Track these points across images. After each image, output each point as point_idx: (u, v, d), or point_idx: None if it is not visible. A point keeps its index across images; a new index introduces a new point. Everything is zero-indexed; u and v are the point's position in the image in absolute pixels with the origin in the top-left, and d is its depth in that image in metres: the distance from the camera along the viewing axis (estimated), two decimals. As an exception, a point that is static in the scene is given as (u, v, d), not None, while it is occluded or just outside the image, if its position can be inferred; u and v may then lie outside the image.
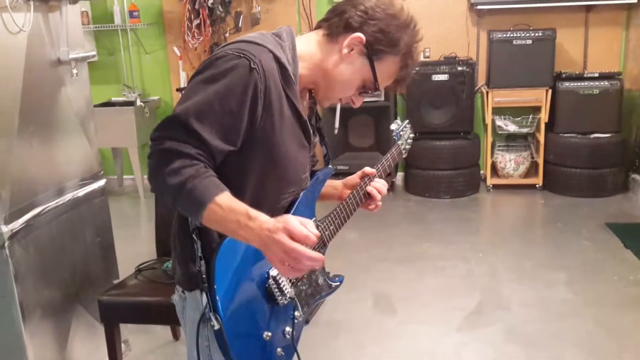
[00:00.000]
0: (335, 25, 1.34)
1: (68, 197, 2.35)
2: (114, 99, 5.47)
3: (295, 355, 1.45)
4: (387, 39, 1.32)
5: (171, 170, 1.16)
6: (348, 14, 1.32)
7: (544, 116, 4.80)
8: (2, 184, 1.98)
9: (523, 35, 4.73)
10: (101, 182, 2.58)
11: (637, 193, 4.71)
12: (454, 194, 4.95)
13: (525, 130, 5.03)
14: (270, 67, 1.24)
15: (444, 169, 4.95)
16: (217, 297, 1.23)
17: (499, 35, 4.78)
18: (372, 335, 2.91)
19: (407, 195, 5.12)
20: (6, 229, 2.00)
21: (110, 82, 5.55)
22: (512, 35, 4.75)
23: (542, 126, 4.83)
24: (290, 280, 1.39)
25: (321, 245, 1.46)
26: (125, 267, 2.68)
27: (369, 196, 1.59)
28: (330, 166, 1.57)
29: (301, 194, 1.43)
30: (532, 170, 5.07)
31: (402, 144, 1.79)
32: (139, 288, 2.38)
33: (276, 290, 1.35)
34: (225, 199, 1.17)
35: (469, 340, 2.83)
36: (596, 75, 4.74)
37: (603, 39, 5.00)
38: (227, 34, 5.26)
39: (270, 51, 1.27)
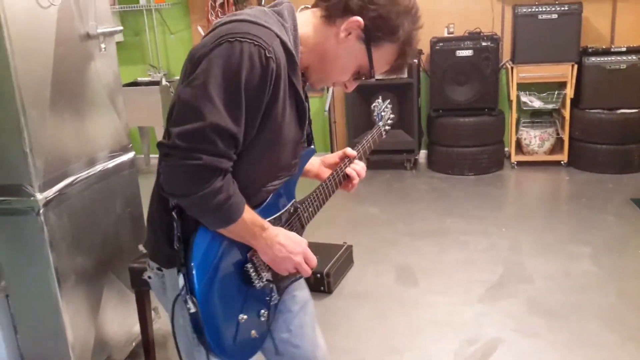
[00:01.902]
0: (334, 7, 1.28)
1: (98, 168, 2.42)
2: (139, 79, 5.55)
3: (269, 336, 1.49)
4: (386, 25, 1.27)
5: (212, 191, 1.17)
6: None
7: (569, 92, 4.74)
8: (37, 153, 2.05)
9: (548, 9, 4.67)
10: (130, 155, 2.64)
11: (664, 169, 4.65)
12: (478, 171, 4.95)
13: (550, 106, 4.98)
14: (280, 54, 1.21)
15: (468, 145, 4.94)
16: (195, 280, 1.23)
17: (524, 10, 4.72)
18: (394, 306, 2.96)
19: (430, 172, 5.12)
20: (40, 197, 2.07)
21: (135, 62, 5.63)
22: (537, 9, 4.69)
23: (568, 102, 4.78)
24: (266, 264, 1.38)
25: (299, 227, 1.48)
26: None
27: (347, 177, 1.59)
28: (312, 146, 1.55)
29: (288, 179, 1.43)
30: (557, 146, 5.03)
31: (382, 125, 1.76)
32: (168, 256, 2.45)
33: (254, 273, 1.35)
34: (248, 214, 1.27)
35: (490, 311, 2.85)
36: (623, 49, 4.66)
37: (631, 13, 4.90)
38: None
39: (277, 36, 1.22)
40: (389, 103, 1.81)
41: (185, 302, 1.23)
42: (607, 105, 4.70)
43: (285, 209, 1.44)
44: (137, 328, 2.58)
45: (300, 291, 1.62)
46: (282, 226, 1.40)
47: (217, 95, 1.15)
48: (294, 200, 1.48)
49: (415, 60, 4.91)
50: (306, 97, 1.43)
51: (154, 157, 5.78)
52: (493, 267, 3.29)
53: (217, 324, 1.29)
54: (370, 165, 5.23)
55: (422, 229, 3.90)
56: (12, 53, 1.95)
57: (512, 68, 4.87)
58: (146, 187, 2.78)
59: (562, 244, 3.53)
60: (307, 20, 1.33)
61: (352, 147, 1.62)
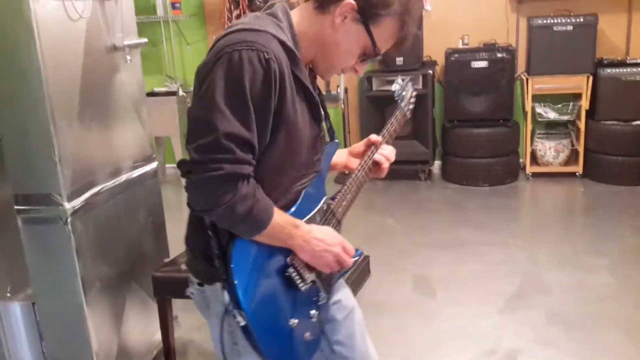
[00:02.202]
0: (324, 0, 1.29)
1: (123, 178, 2.46)
2: (156, 89, 5.61)
3: (323, 336, 1.48)
4: (379, 0, 1.27)
5: (239, 198, 1.19)
6: None
7: (584, 103, 4.75)
8: (65, 162, 2.09)
9: (563, 21, 4.69)
10: (153, 165, 2.68)
11: (680, 181, 4.63)
12: (493, 182, 4.95)
13: (565, 117, 4.99)
14: (280, 53, 1.23)
15: (483, 156, 4.95)
16: (239, 293, 1.24)
17: (539, 22, 4.75)
18: (413, 316, 2.97)
19: (445, 183, 5.13)
20: (68, 206, 2.11)
21: (152, 72, 5.69)
22: (552, 21, 4.71)
23: (583, 113, 4.78)
24: (308, 265, 1.38)
25: (336, 223, 1.48)
26: (173, 249, 2.80)
27: (376, 164, 1.58)
28: (335, 140, 1.55)
29: (315, 175, 1.43)
30: (572, 158, 5.03)
31: (404, 105, 1.71)
32: (190, 265, 2.48)
33: (296, 277, 1.35)
34: (279, 216, 1.28)
35: (509, 322, 2.85)
36: (639, 61, 4.66)
37: (647, 25, 4.92)
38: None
39: (274, 36, 1.24)
40: (409, 81, 1.76)
41: (234, 316, 1.25)
42: (622, 117, 4.69)
43: (318, 207, 1.44)
44: (158, 336, 2.60)
45: (345, 298, 1.62)
46: (317, 224, 1.40)
47: (225, 105, 1.17)
48: (325, 197, 1.47)
49: (430, 71, 4.94)
50: (319, 92, 1.46)
51: (170, 166, 5.83)
52: (510, 278, 3.29)
53: (269, 333, 1.31)
54: (385, 176, 5.22)
55: (438, 240, 3.90)
56: (43, 64, 1.99)
57: (527, 79, 4.88)
58: (164, 196, 2.85)
59: (579, 256, 3.53)
60: (302, 15, 1.34)
61: (377, 133, 1.61)
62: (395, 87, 1.70)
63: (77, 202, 2.15)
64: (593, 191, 4.70)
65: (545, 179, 5.01)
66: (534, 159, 5.12)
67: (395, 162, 5.10)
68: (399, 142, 5.09)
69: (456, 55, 4.94)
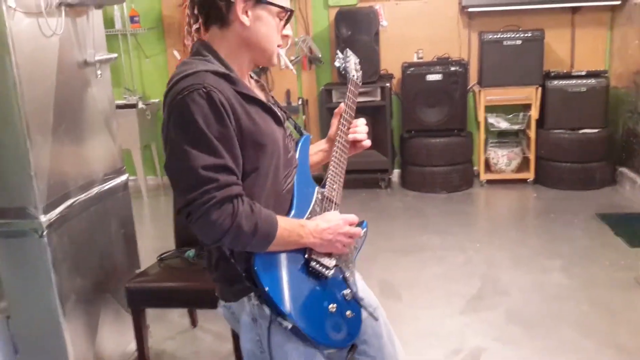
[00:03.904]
0: (219, 15, 1.41)
1: (95, 190, 2.48)
2: (117, 101, 5.56)
3: (362, 309, 1.58)
4: None
5: (241, 216, 1.30)
6: (215, 0, 1.39)
7: (534, 113, 5.00)
8: (40, 176, 2.11)
9: (513, 36, 4.93)
10: (123, 177, 2.71)
11: (624, 185, 4.91)
12: (450, 189, 5.13)
13: (516, 127, 5.23)
14: (215, 81, 1.33)
15: (440, 164, 5.13)
16: (277, 302, 1.36)
17: (490, 36, 4.98)
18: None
19: (404, 190, 5.29)
20: (44, 219, 2.12)
21: (112, 85, 5.65)
22: (502, 36, 4.95)
23: (533, 123, 5.02)
24: (326, 253, 1.50)
25: (335, 207, 1.59)
26: (144, 259, 2.83)
27: (355, 142, 1.69)
28: (306, 134, 1.66)
29: (295, 172, 1.53)
30: (523, 165, 5.26)
31: (353, 75, 1.76)
32: (162, 275, 2.52)
33: (320, 267, 1.47)
34: (283, 221, 1.39)
35: (471, 321, 2.99)
36: (583, 73, 4.94)
37: (589, 39, 5.21)
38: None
39: (206, 71, 1.34)
40: (347, 50, 1.81)
41: (280, 324, 1.37)
42: (569, 126, 4.95)
43: (313, 199, 1.54)
44: (132, 346, 2.62)
45: (368, 297, 1.69)
46: (319, 214, 1.51)
47: (190, 147, 1.29)
48: (316, 187, 1.57)
49: (387, 84, 5.09)
50: (272, 97, 1.60)
51: (131, 178, 5.78)
52: (471, 280, 3.44)
53: (316, 326, 1.42)
54: (346, 185, 5.33)
55: (400, 245, 4.03)
56: (18, 79, 2.02)
57: (479, 91, 5.10)
58: (136, 206, 2.87)
59: (535, 257, 3.71)
60: (217, 41, 1.45)
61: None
62: (337, 63, 1.78)
63: (52, 215, 2.17)
64: (545, 196, 4.93)
65: (499, 186, 5.23)
66: (488, 167, 5.33)
67: (356, 171, 5.21)
68: (360, 152, 5.24)
69: (412, 69, 5.12)
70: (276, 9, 1.45)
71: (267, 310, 1.39)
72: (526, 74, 4.95)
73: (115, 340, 2.59)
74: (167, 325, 3.03)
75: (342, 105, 1.70)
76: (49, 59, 2.21)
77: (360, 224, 1.63)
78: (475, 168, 5.40)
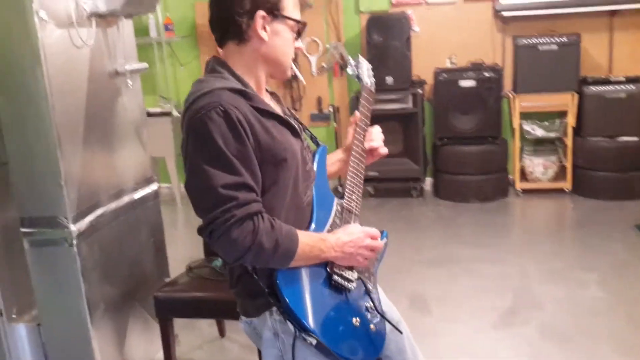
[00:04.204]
0: (237, 32, 1.41)
1: (126, 199, 2.51)
2: (150, 109, 5.64)
3: (386, 321, 1.56)
4: None
5: (261, 233, 1.29)
6: (234, 17, 1.39)
7: (571, 120, 4.87)
8: (70, 185, 2.14)
9: (548, 40, 4.81)
10: (154, 186, 2.73)
11: (666, 195, 4.74)
12: (483, 199, 5.03)
13: (552, 134, 5.10)
14: (232, 99, 1.34)
15: (473, 173, 5.04)
16: (301, 318, 1.34)
17: (524, 41, 4.87)
18: (410, 333, 3.01)
19: (437, 200, 5.21)
20: (74, 228, 2.15)
21: (146, 93, 5.65)
22: (537, 40, 4.84)
23: (570, 130, 4.90)
24: (347, 266, 1.49)
25: (355, 218, 1.57)
26: (173, 267, 2.84)
27: (372, 150, 1.69)
28: (321, 145, 1.66)
29: (314, 184, 1.53)
30: (560, 174, 5.13)
31: (367, 82, 1.78)
32: (191, 285, 2.52)
33: (343, 281, 1.46)
34: (304, 236, 1.38)
35: (504, 337, 2.91)
36: (622, 79, 4.79)
37: (628, 43, 5.05)
38: (259, 45, 5.43)
39: (222, 88, 1.35)
40: (358, 56, 1.81)
41: (305, 339, 1.35)
42: (607, 133, 4.80)
43: (333, 212, 1.53)
44: (160, 355, 2.63)
45: (390, 311, 1.68)
46: (340, 227, 1.50)
47: (209, 166, 1.30)
48: (335, 199, 1.57)
49: (420, 91, 5.03)
50: (288, 108, 1.60)
51: (164, 186, 5.86)
52: (504, 293, 3.36)
53: (341, 341, 1.40)
54: (377, 194, 5.33)
55: (431, 257, 3.97)
56: (50, 90, 2.05)
57: (514, 97, 5.00)
58: (167, 214, 2.89)
59: (570, 270, 3.60)
60: (233, 56, 1.45)
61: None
62: (349, 70, 1.79)
63: (82, 224, 2.20)
64: (582, 206, 4.80)
65: (535, 195, 5.10)
66: (523, 176, 5.21)
67: (388, 180, 5.17)
68: (391, 160, 5.20)
69: (445, 75, 5.05)
70: (292, 23, 1.46)
71: (290, 326, 1.37)
72: (562, 79, 4.83)
73: (143, 348, 2.61)
74: (195, 334, 3.04)
75: (356, 113, 1.70)
76: (80, 69, 2.24)
77: (381, 234, 1.61)
78: (510, 177, 5.28)
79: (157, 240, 2.74)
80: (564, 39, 4.81)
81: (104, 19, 2.38)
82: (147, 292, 2.57)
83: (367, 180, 5.22)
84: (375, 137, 1.71)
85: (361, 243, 1.46)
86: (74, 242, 2.14)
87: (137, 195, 2.60)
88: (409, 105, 5.05)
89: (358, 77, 1.78)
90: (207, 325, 3.07)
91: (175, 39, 5.61)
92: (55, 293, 2.21)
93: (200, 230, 1.33)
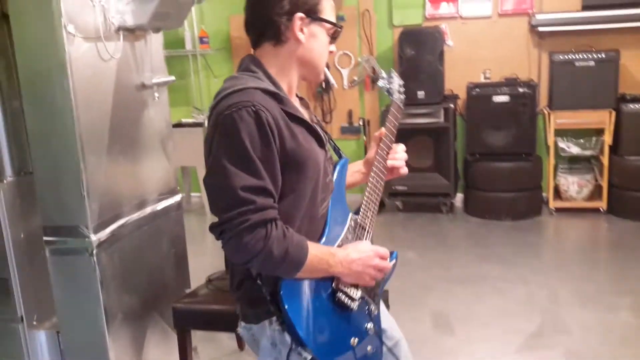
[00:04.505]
0: (275, 33, 1.41)
1: (148, 210, 2.53)
2: (184, 120, 5.74)
3: (384, 345, 1.55)
4: None
5: (273, 241, 1.28)
6: (273, 18, 1.39)
7: (608, 139, 4.73)
8: (92, 196, 2.17)
9: (585, 57, 4.70)
10: (177, 197, 2.75)
11: None
12: (515, 216, 4.92)
13: (588, 152, 4.97)
14: (264, 100, 1.33)
15: (505, 190, 4.95)
16: (299, 332, 1.33)
17: (561, 57, 4.77)
18: (430, 353, 2.96)
19: (467, 216, 5.13)
20: (94, 238, 2.18)
21: (180, 104, 5.83)
22: (574, 56, 4.73)
23: (606, 149, 4.76)
24: (353, 284, 1.47)
25: (367, 235, 1.55)
26: (195, 278, 2.85)
27: (393, 168, 1.68)
28: (344, 158, 1.65)
29: (331, 197, 1.51)
30: (596, 193, 4.99)
31: (396, 97, 1.78)
32: (210, 297, 2.52)
33: (346, 299, 1.43)
34: (314, 248, 1.36)
35: (528, 361, 2.83)
36: (663, 98, 4.65)
37: (669, 60, 4.90)
38: (291, 58, 5.47)
39: (256, 88, 1.34)
40: (391, 71, 1.81)
41: (300, 354, 1.34)
42: (646, 153, 4.66)
43: (346, 226, 1.52)
44: (177, 366, 2.64)
45: (391, 329, 1.68)
46: (351, 242, 1.49)
47: (232, 165, 1.28)
48: (350, 214, 1.55)
49: (452, 105, 4.98)
50: (319, 122, 1.59)
51: (195, 195, 5.94)
52: (530, 316, 3.27)
53: (336, 358, 1.40)
54: (406, 208, 5.27)
55: (458, 275, 3.89)
56: (75, 103, 2.09)
57: (549, 114, 4.89)
58: (186, 227, 2.93)
59: (602, 294, 3.48)
60: (269, 57, 1.45)
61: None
62: (381, 83, 1.79)
63: (103, 234, 2.23)
64: (617, 227, 4.65)
65: (569, 214, 4.97)
66: (557, 194, 5.08)
67: (417, 194, 5.13)
68: (420, 175, 5.17)
69: (477, 90, 4.98)
70: (328, 26, 1.46)
71: (287, 338, 1.36)
72: (599, 96, 4.70)
73: (160, 359, 2.62)
74: (214, 346, 3.04)
75: (382, 129, 1.69)
76: (106, 82, 2.28)
77: (390, 255, 1.59)
78: (544, 195, 5.16)
79: (179, 251, 2.76)
80: (602, 55, 4.69)
81: (132, 32, 2.43)
82: (166, 303, 2.58)
83: (396, 194, 5.18)
84: (399, 155, 1.70)
85: (370, 262, 1.44)
86: (94, 251, 2.17)
87: (160, 206, 2.62)
88: (441, 119, 5.00)
89: (388, 91, 1.79)
90: (227, 338, 3.07)
91: (210, 52, 5.69)
92: (74, 301, 2.24)
93: (212, 228, 1.32)
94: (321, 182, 1.45)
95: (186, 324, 2.51)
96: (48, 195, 2.18)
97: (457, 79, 5.25)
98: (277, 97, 1.37)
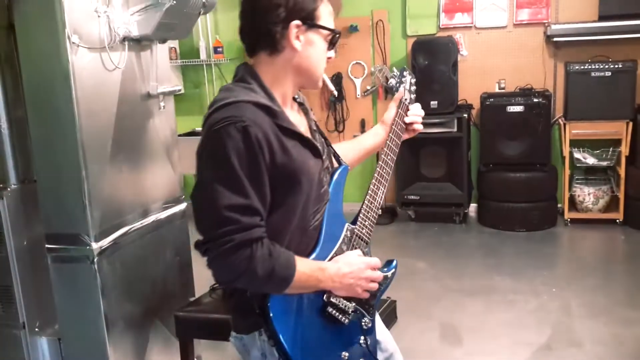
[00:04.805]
0: (270, 41, 1.37)
1: (152, 218, 2.54)
2: (197, 129, 5.77)
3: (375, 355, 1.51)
4: (305, 1, 1.37)
5: (257, 262, 1.26)
6: (268, 26, 1.35)
7: (624, 149, 4.65)
8: (94, 205, 2.19)
9: (602, 67, 4.63)
10: (182, 206, 2.76)
11: None
12: (530, 227, 4.85)
13: (604, 163, 4.88)
14: (255, 114, 1.29)
15: (519, 201, 4.88)
16: (286, 348, 1.31)
17: (577, 67, 4.70)
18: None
19: (480, 227, 5.07)
20: (95, 246, 2.20)
21: (194, 113, 5.85)
22: (590, 67, 4.66)
23: (623, 159, 4.68)
24: (346, 297, 1.44)
25: (364, 245, 1.52)
26: (200, 287, 2.85)
27: (409, 125, 1.69)
28: (343, 165, 1.59)
29: (326, 207, 1.46)
30: (612, 204, 4.89)
31: (406, 99, 1.71)
32: (213, 305, 2.52)
33: (337, 313, 1.41)
34: (302, 265, 1.34)
35: (536, 375, 2.78)
36: (681, 107, 4.56)
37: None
38: (305, 68, 5.48)
39: (248, 101, 1.31)
40: (404, 69, 1.76)
41: None
42: (664, 164, 4.57)
43: (341, 237, 1.48)
44: (180, 375, 2.64)
45: (385, 341, 1.65)
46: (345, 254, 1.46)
47: (218, 183, 1.26)
48: (346, 224, 1.51)
49: (465, 115, 4.94)
50: (316, 123, 1.56)
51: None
52: (541, 328, 3.21)
53: None
54: (418, 218, 5.23)
55: (469, 286, 3.84)
56: (78, 112, 2.12)
57: (564, 124, 4.82)
58: (193, 234, 2.93)
59: (616, 307, 3.41)
60: (265, 67, 1.41)
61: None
62: (391, 82, 1.74)
63: (105, 242, 2.25)
64: (634, 240, 4.55)
65: (585, 226, 4.88)
66: (573, 205, 5.00)
67: (430, 204, 5.08)
68: (433, 185, 5.13)
69: (491, 100, 4.94)
70: (326, 32, 1.42)
71: (276, 353, 1.34)
72: (616, 107, 4.62)
73: (163, 367, 2.63)
74: (219, 355, 3.03)
75: (401, 90, 1.69)
76: (110, 91, 2.31)
77: (388, 264, 1.56)
78: (559, 206, 5.08)
79: (183, 259, 2.77)
80: (619, 65, 4.62)
81: (137, 43, 2.45)
82: (170, 311, 2.58)
83: (408, 204, 5.14)
84: (418, 112, 1.71)
85: (361, 274, 1.42)
86: (95, 259, 2.19)
87: (165, 214, 2.64)
88: (454, 129, 4.96)
89: (397, 90, 1.72)
90: (231, 347, 3.04)
91: (224, 61, 5.73)
92: (75, 309, 2.26)
93: (197, 246, 1.31)
94: (314, 195, 1.42)
95: (188, 332, 2.52)
96: (50, 203, 2.20)
97: (471, 89, 5.21)
98: (270, 111, 1.34)
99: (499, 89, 5.21)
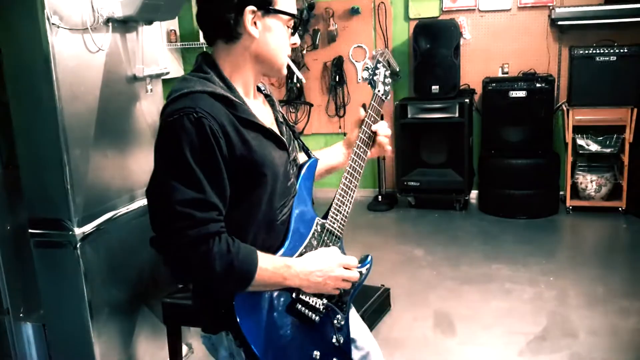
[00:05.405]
0: (225, 29, 1.32)
1: (139, 204, 2.51)
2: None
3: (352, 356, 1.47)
4: None
5: (213, 259, 1.20)
6: (222, 13, 1.30)
7: (628, 136, 4.56)
8: (77, 189, 2.16)
9: (607, 51, 4.53)
10: (170, 191, 2.72)
11: None
12: (530, 215, 4.79)
13: (608, 150, 4.80)
14: (210, 105, 1.24)
15: (521, 188, 4.81)
16: (254, 348, 1.25)
17: (581, 52, 4.60)
18: (430, 355, 2.88)
19: (481, 214, 5.01)
20: (78, 232, 2.16)
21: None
22: (595, 51, 4.56)
23: (627, 147, 4.59)
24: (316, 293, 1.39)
25: (336, 240, 1.47)
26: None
27: (377, 145, 1.60)
28: (312, 157, 1.54)
29: (293, 201, 1.42)
30: (615, 192, 4.82)
31: (379, 91, 1.63)
32: (200, 293, 2.49)
33: (307, 311, 1.36)
34: (265, 261, 1.28)
35: (529, 365, 2.74)
36: (688, 93, 4.46)
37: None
38: (304, 51, 5.41)
39: (203, 92, 1.26)
40: (380, 55, 1.66)
41: None
42: (669, 151, 4.48)
43: (311, 232, 1.43)
44: (168, 361, 2.63)
45: (361, 338, 1.60)
46: (316, 249, 1.41)
47: (171, 177, 1.21)
48: (316, 218, 1.46)
49: (467, 100, 4.86)
50: (283, 115, 1.50)
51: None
52: (537, 318, 3.16)
53: None
54: (418, 204, 5.18)
55: (466, 274, 3.80)
56: (58, 95, 2.07)
57: (567, 110, 4.74)
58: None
59: (613, 297, 3.35)
60: (223, 55, 1.36)
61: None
62: (364, 74, 1.64)
63: (88, 227, 2.21)
64: (636, 228, 4.48)
65: (586, 214, 4.81)
66: (575, 192, 4.93)
67: (430, 191, 5.01)
68: (434, 171, 5.07)
69: (493, 85, 4.85)
70: (286, 17, 1.36)
71: (243, 354, 1.30)
72: (621, 93, 4.53)
73: (151, 354, 2.61)
74: (210, 340, 3.02)
75: (362, 113, 1.60)
76: (93, 74, 2.26)
77: (363, 260, 1.51)
78: (561, 193, 5.01)
79: (171, 246, 2.73)
80: (624, 50, 4.52)
81: (123, 24, 2.40)
82: (158, 298, 2.56)
83: (408, 190, 5.09)
84: (384, 130, 1.62)
85: (331, 273, 1.37)
86: (78, 245, 2.16)
87: (152, 200, 2.60)
88: (455, 114, 4.89)
89: (371, 82, 1.64)
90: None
91: (224, 44, 5.66)
92: (59, 294, 2.23)
93: (152, 243, 1.28)
94: (279, 188, 1.36)
95: (176, 319, 2.49)
96: (32, 188, 2.17)
97: (474, 73, 5.13)
98: (228, 101, 1.28)
99: (502, 73, 5.12)
